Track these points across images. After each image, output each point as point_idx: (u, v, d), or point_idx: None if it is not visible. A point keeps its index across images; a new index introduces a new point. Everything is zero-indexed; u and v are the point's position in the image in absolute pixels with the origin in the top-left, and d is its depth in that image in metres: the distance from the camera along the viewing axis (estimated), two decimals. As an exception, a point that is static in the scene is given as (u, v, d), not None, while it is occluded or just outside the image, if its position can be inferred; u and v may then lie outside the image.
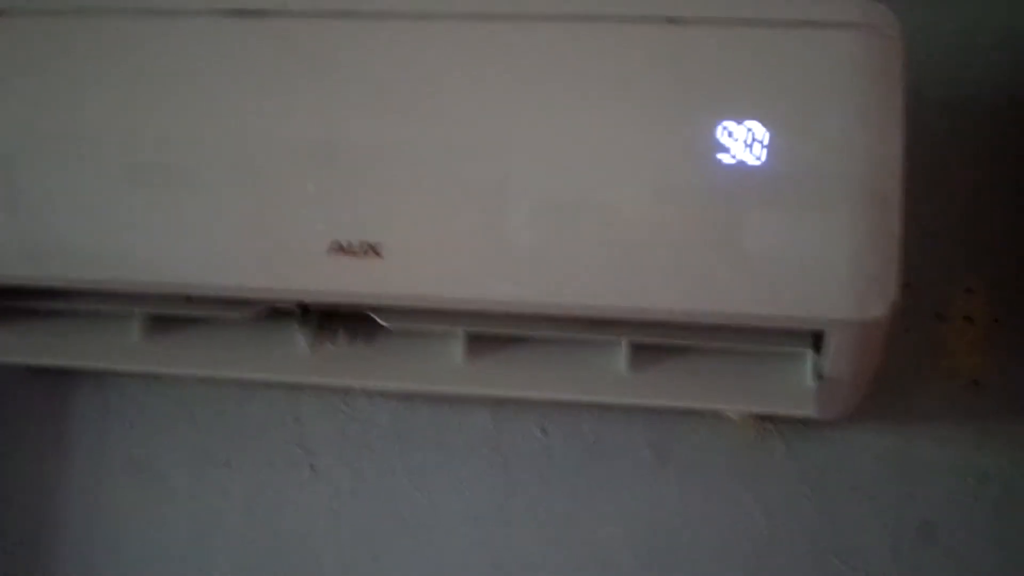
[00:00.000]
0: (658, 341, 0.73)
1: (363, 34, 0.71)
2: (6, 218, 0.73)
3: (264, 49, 0.71)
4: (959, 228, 0.84)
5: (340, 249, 0.69)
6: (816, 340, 0.72)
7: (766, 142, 0.66)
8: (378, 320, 0.75)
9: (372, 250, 0.68)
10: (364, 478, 0.87)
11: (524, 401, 0.84)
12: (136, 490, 0.89)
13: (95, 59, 0.73)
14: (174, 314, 0.78)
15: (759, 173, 0.66)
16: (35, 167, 0.73)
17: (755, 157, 0.66)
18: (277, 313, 0.76)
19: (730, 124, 0.66)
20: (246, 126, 0.71)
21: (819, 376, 0.72)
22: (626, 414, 0.84)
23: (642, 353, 0.74)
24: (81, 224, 0.72)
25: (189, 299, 0.76)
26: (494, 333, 0.75)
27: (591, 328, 0.73)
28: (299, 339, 0.78)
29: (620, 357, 0.74)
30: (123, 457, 0.89)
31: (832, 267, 0.65)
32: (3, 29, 0.74)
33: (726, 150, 0.66)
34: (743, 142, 0.66)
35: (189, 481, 0.88)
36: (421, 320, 0.74)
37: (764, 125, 0.66)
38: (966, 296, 0.84)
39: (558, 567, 0.84)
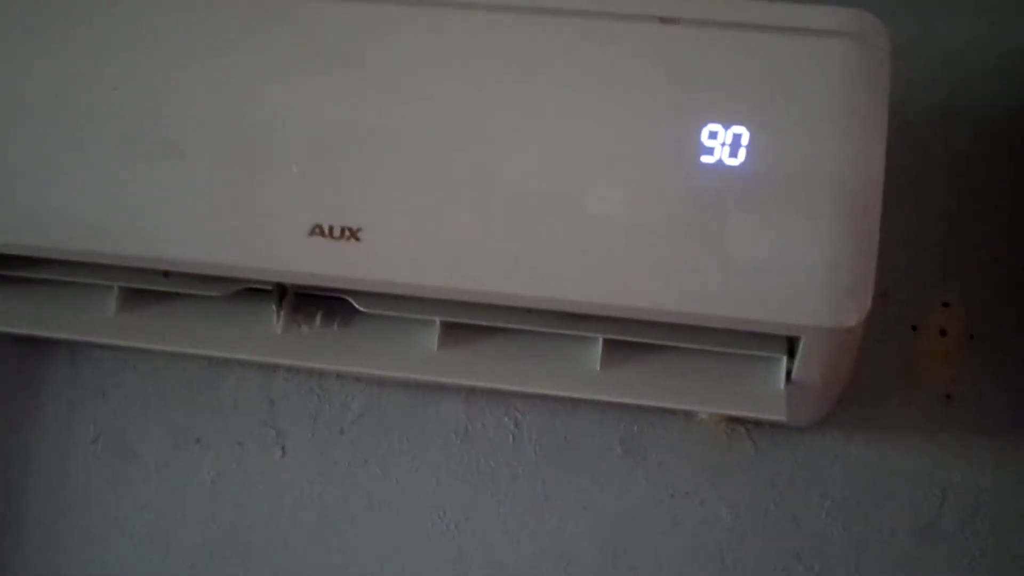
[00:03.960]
0: (633, 339, 0.73)
1: (355, 18, 0.71)
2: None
3: (255, 28, 0.71)
4: (938, 241, 0.85)
5: (320, 232, 0.69)
6: (790, 345, 0.72)
7: (749, 146, 0.66)
8: (354, 304, 0.75)
9: (352, 234, 0.68)
10: (334, 461, 0.87)
11: (497, 392, 0.84)
12: (105, 463, 0.88)
13: (85, 29, 0.73)
14: (151, 288, 0.77)
15: (741, 176, 0.66)
16: (15, 134, 0.72)
17: (738, 160, 0.66)
18: (254, 292, 0.76)
19: (714, 127, 0.66)
20: (234, 103, 0.71)
21: (790, 381, 0.72)
22: (598, 409, 0.85)
23: (616, 350, 0.74)
24: (59, 192, 0.72)
25: (166, 274, 0.76)
26: (470, 323, 0.75)
27: (567, 322, 0.73)
28: (275, 319, 0.77)
29: (594, 353, 0.74)
30: (93, 429, 0.89)
31: (809, 273, 0.66)
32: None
33: (710, 152, 0.66)
34: (727, 145, 0.66)
35: (158, 456, 0.88)
36: (397, 306, 0.74)
37: (748, 129, 0.66)
38: (942, 310, 0.84)
39: (523, 558, 0.84)
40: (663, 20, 0.68)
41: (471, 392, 0.86)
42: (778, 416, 0.73)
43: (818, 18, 0.67)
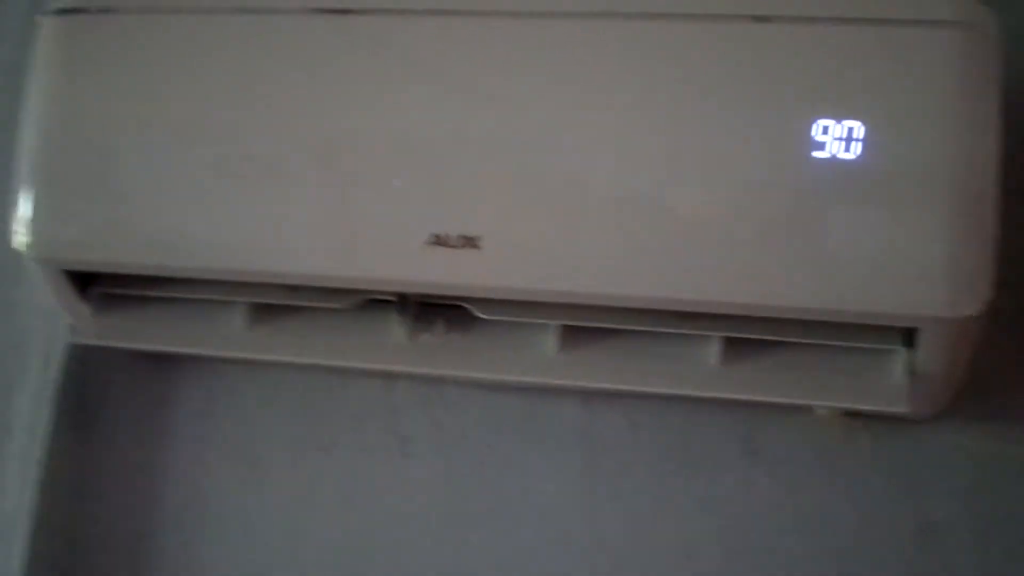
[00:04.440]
0: (751, 336, 0.73)
1: (452, 30, 0.73)
2: (110, 207, 0.77)
3: (360, 46, 0.74)
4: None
5: (439, 241, 0.71)
6: (909, 337, 0.72)
7: (861, 139, 0.66)
8: (474, 311, 0.77)
9: (470, 243, 0.70)
10: (456, 465, 0.88)
11: (614, 393, 0.85)
12: (236, 474, 0.92)
13: (195, 55, 0.76)
14: (278, 303, 0.80)
15: (853, 170, 0.67)
16: (139, 159, 0.76)
17: (850, 154, 0.66)
18: (377, 303, 0.79)
19: (826, 121, 0.67)
20: (348, 121, 0.73)
21: (911, 373, 0.72)
22: (715, 408, 0.85)
23: (733, 347, 0.75)
24: (190, 214, 0.75)
25: (292, 288, 0.79)
26: (588, 325, 0.76)
27: (684, 322, 0.74)
28: (397, 328, 0.80)
29: (712, 351, 0.75)
30: (224, 442, 0.92)
31: (927, 264, 0.66)
32: (108, 26, 0.78)
33: (821, 147, 0.67)
34: (838, 139, 0.66)
35: (288, 466, 0.91)
36: (516, 312, 0.76)
37: (859, 122, 0.66)
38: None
39: (645, 558, 0.85)
40: (756, 18, 0.69)
41: (588, 394, 0.87)
42: (900, 408, 0.73)
43: (925, 8, 0.68)
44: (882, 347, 0.73)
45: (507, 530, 0.87)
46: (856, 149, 0.66)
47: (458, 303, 0.77)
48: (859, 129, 0.66)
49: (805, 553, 0.83)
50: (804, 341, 0.73)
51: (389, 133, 0.72)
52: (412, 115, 0.72)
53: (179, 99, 0.76)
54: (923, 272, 0.66)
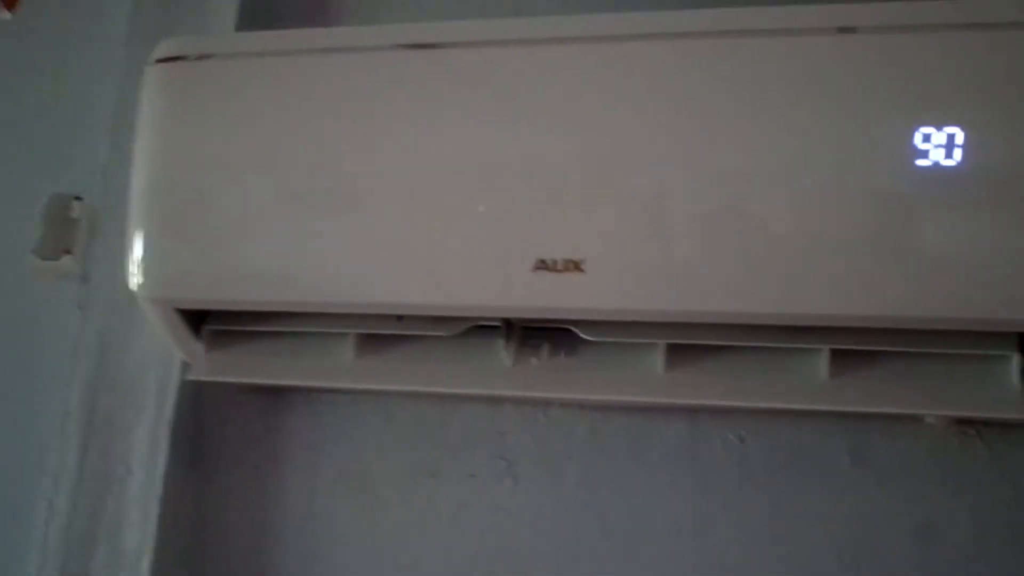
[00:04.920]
0: (859, 347, 0.73)
1: (535, 59, 0.74)
2: (216, 246, 0.79)
3: (449, 77, 0.75)
4: None
5: (544, 266, 0.72)
6: (1021, 342, 0.71)
7: (963, 145, 0.66)
8: (580, 334, 0.77)
9: (575, 266, 0.71)
10: (565, 487, 0.89)
11: (720, 409, 0.85)
12: (348, 501, 0.93)
13: (289, 94, 0.78)
14: (386, 332, 0.82)
15: (957, 177, 0.66)
16: (240, 197, 0.78)
17: (954, 161, 0.66)
18: (482, 329, 0.80)
19: (927, 129, 0.67)
20: (448, 153, 0.74)
21: (1025, 379, 0.72)
22: (823, 420, 0.85)
23: (842, 358, 0.75)
24: (298, 248, 0.77)
25: (399, 318, 0.80)
26: (693, 343, 0.76)
27: (791, 336, 0.74)
28: (503, 354, 0.81)
29: (820, 364, 0.75)
30: (335, 470, 0.94)
31: (1035, 268, 0.65)
32: (207, 72, 0.80)
33: (924, 155, 0.66)
34: (941, 147, 0.66)
35: (398, 492, 0.92)
36: (622, 333, 0.76)
37: (960, 128, 0.66)
38: None
39: (762, 570, 0.84)
40: (841, 30, 0.69)
41: (693, 411, 0.87)
42: (1016, 415, 0.72)
43: (1011, 11, 0.67)
44: (995, 353, 0.72)
45: (619, 552, 0.87)
46: (958, 155, 0.66)
47: (564, 326, 0.78)
48: (959, 135, 0.66)
49: (925, 561, 0.82)
50: (914, 350, 0.73)
51: (487, 163, 0.74)
52: (507, 144, 0.74)
53: (276, 139, 0.78)
54: (1033, 276, 0.66)
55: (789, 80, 0.70)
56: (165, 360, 0.94)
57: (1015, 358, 0.72)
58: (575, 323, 0.77)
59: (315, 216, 0.77)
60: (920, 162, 0.67)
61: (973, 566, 0.81)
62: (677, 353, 0.77)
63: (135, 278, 0.80)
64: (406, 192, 0.75)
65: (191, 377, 0.86)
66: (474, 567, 0.90)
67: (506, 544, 0.89)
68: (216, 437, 0.97)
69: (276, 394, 0.95)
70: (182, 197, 0.80)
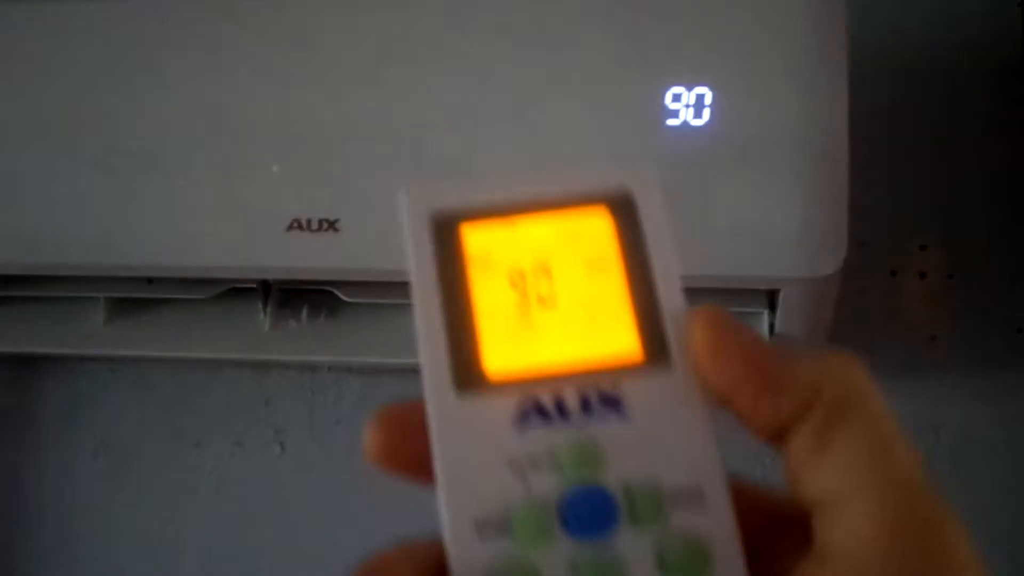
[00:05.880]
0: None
1: (319, 16, 0.72)
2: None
3: (224, 30, 0.72)
4: (912, 186, 0.85)
5: (299, 226, 0.69)
6: (771, 299, 0.73)
7: (713, 106, 0.67)
8: (339, 295, 0.76)
9: (330, 226, 0.69)
10: (333, 453, 0.87)
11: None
12: (108, 472, 0.89)
13: (60, 44, 0.74)
14: (136, 296, 0.78)
15: (706, 137, 0.67)
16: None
17: (703, 121, 0.67)
18: (239, 292, 0.77)
19: (678, 89, 0.67)
20: (207, 107, 0.72)
21: (774, 334, 0.73)
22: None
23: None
24: (39, 208, 0.73)
25: (150, 280, 0.77)
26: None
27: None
28: (261, 316, 0.78)
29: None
30: (93, 441, 0.90)
31: (783, 226, 0.67)
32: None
33: (675, 115, 0.67)
34: (690, 107, 0.67)
35: (160, 462, 0.89)
36: (381, 294, 0.75)
37: (710, 89, 0.67)
38: (920, 253, 0.85)
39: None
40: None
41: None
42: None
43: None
44: (745, 310, 0.73)
45: (390, 517, 0.86)
46: (708, 116, 0.67)
47: (323, 288, 0.76)
48: (710, 95, 0.67)
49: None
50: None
51: (244, 120, 0.71)
52: (265, 102, 0.71)
53: (40, 91, 0.73)
54: (780, 234, 0.67)
55: (536, 39, 0.69)
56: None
57: (764, 315, 0.73)
58: (334, 284, 0.75)
59: (61, 173, 0.72)
60: (670, 121, 0.67)
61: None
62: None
63: None
64: (159, 149, 0.72)
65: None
66: (240, 538, 0.87)
67: (273, 513, 0.87)
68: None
69: (28, 363, 0.91)
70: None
